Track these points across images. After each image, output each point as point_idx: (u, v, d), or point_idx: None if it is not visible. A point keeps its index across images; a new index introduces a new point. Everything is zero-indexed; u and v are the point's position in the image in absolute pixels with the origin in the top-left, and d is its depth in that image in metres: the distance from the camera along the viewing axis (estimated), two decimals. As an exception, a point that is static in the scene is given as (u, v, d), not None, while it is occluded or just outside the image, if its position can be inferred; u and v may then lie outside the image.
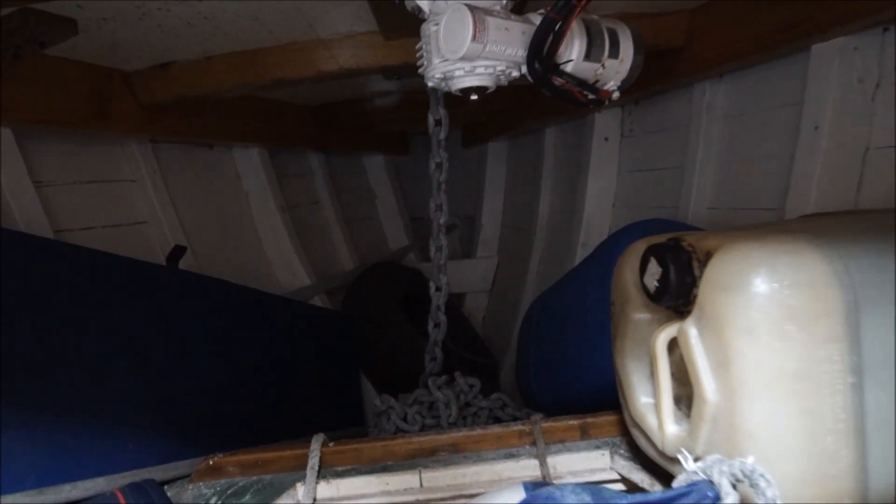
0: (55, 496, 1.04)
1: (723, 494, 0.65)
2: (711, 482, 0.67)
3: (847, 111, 1.35)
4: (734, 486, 0.66)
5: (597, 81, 1.28)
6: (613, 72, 1.28)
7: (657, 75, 1.85)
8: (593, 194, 2.40)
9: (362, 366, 2.32)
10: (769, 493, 0.60)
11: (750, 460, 0.65)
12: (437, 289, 1.66)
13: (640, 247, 0.98)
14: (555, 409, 1.39)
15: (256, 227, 2.45)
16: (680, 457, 0.74)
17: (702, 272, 0.81)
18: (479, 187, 3.36)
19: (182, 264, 1.74)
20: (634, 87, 1.73)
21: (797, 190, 1.41)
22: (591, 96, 1.29)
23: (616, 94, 1.33)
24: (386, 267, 2.95)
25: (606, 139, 2.36)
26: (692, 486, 0.68)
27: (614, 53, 1.26)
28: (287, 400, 1.74)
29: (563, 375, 1.42)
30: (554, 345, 1.48)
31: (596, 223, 2.37)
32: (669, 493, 0.67)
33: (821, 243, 0.75)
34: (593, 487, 0.73)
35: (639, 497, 0.68)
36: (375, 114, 3.09)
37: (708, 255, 0.81)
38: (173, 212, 1.95)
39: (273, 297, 2.01)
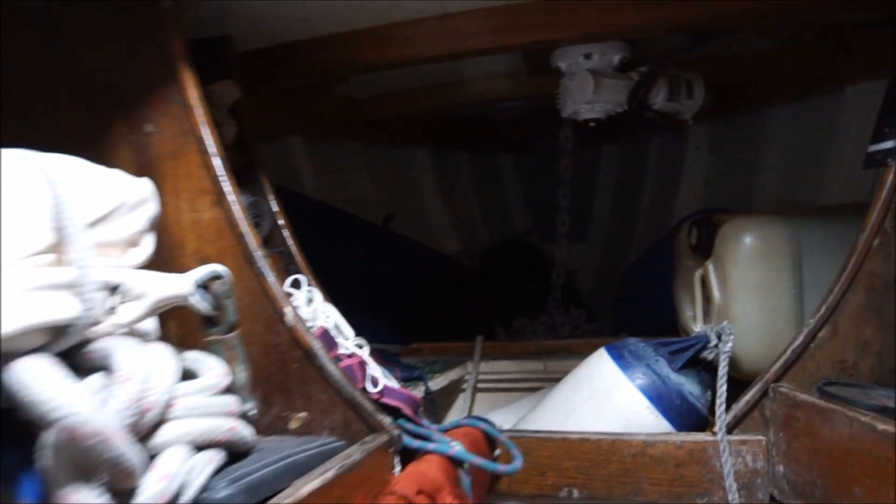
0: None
1: (711, 339, 1.22)
2: (707, 336, 1.24)
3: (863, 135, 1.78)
4: (719, 339, 1.22)
5: (676, 114, 1.82)
6: (688, 107, 1.81)
7: (737, 101, 2.31)
8: (685, 193, 2.87)
9: (495, 311, 2.96)
10: (729, 331, 1.15)
11: (724, 323, 1.21)
12: (561, 250, 2.26)
13: (688, 222, 1.54)
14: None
15: (424, 206, 3.17)
16: (693, 325, 1.31)
17: (717, 233, 1.36)
18: (593, 182, 3.84)
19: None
20: (720, 109, 2.20)
21: (824, 191, 1.86)
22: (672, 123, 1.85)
23: (690, 122, 1.86)
24: (515, 242, 3.58)
25: (698, 148, 2.82)
26: (696, 337, 1.25)
27: (689, 95, 1.79)
28: (447, 315, 2.44)
29: (644, 310, 1.97)
30: (640, 290, 2.03)
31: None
32: (684, 339, 1.24)
33: (784, 217, 1.28)
34: (647, 340, 1.30)
35: (666, 340, 1.25)
36: (509, 123, 3.70)
37: (722, 223, 1.36)
38: (377, 192, 2.70)
39: (441, 254, 2.73)
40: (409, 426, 0.96)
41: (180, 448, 0.55)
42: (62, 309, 0.50)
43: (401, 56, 1.60)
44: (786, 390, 0.98)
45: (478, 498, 0.97)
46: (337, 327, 1.09)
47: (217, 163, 0.94)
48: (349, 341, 1.05)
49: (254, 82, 1.64)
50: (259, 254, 0.92)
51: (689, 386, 1.16)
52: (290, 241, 1.22)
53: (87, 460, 0.43)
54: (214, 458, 0.60)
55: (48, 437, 0.43)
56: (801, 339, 1.01)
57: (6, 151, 0.53)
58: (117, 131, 0.98)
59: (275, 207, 1.25)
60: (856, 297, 0.99)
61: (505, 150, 3.87)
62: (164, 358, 0.57)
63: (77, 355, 0.53)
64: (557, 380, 1.70)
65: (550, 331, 2.22)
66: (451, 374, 1.83)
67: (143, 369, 0.52)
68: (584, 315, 2.22)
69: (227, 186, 0.94)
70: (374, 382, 1.01)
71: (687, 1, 1.35)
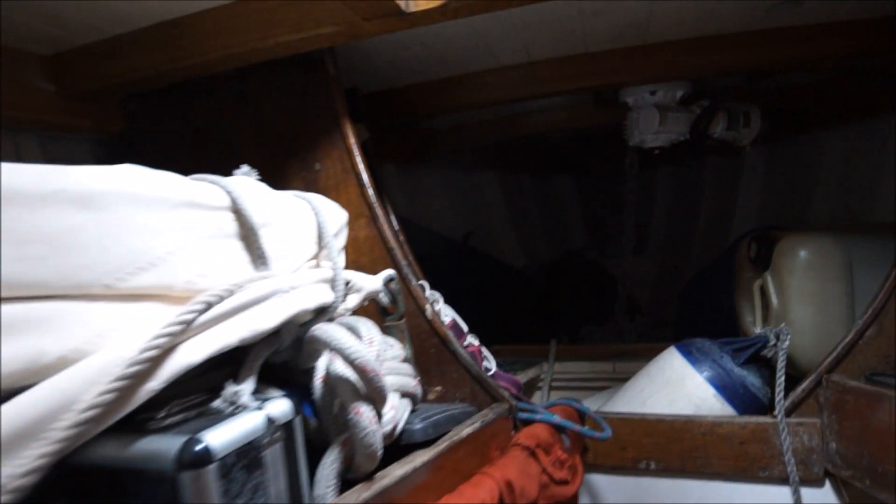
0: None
1: (770, 339, 1.38)
2: (767, 336, 1.40)
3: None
4: (777, 339, 1.38)
5: (735, 141, 1.99)
6: (746, 135, 1.97)
7: (793, 126, 2.44)
8: (742, 211, 2.99)
9: (558, 319, 3.15)
10: (786, 331, 1.32)
11: (782, 325, 1.37)
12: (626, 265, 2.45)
13: (748, 238, 1.70)
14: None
15: (493, 224, 3.40)
16: (754, 329, 1.47)
17: (775, 247, 1.53)
18: (650, 201, 3.98)
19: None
20: (777, 133, 2.34)
21: (877, 210, 1.97)
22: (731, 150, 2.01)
23: (748, 148, 2.02)
24: (574, 257, 3.75)
25: (755, 168, 2.94)
26: (757, 337, 1.41)
27: (746, 124, 1.95)
28: (516, 323, 2.65)
29: (705, 318, 2.12)
30: (701, 300, 2.19)
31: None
32: (747, 339, 1.41)
33: (836, 233, 1.44)
34: (713, 340, 1.47)
35: (730, 339, 1.42)
36: (569, 146, 3.90)
37: (779, 239, 1.53)
38: (454, 212, 2.96)
39: (509, 267, 2.96)
40: (519, 402, 1.17)
41: (394, 392, 0.79)
42: (327, 296, 0.75)
43: (487, 98, 1.85)
44: (837, 379, 1.14)
45: (581, 475, 1.17)
46: (456, 323, 1.32)
47: (370, 193, 1.20)
48: (466, 334, 1.28)
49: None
50: (405, 262, 1.16)
51: (751, 378, 1.33)
52: (410, 255, 1.46)
53: (364, 387, 0.67)
54: (408, 404, 0.83)
55: (342, 371, 0.67)
56: (850, 336, 1.17)
57: (289, 192, 0.79)
58: (292, 169, 1.25)
59: (396, 226, 1.49)
60: (899, 301, 1.14)
61: (564, 171, 4.07)
62: (378, 331, 0.82)
63: (326, 328, 0.78)
64: (625, 380, 1.87)
65: (617, 337, 2.39)
66: (530, 373, 2.03)
67: (376, 337, 0.76)
68: (650, 324, 2.38)
69: (379, 211, 1.19)
70: (488, 368, 1.24)
71: (743, 48, 1.54)
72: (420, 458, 0.75)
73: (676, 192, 3.69)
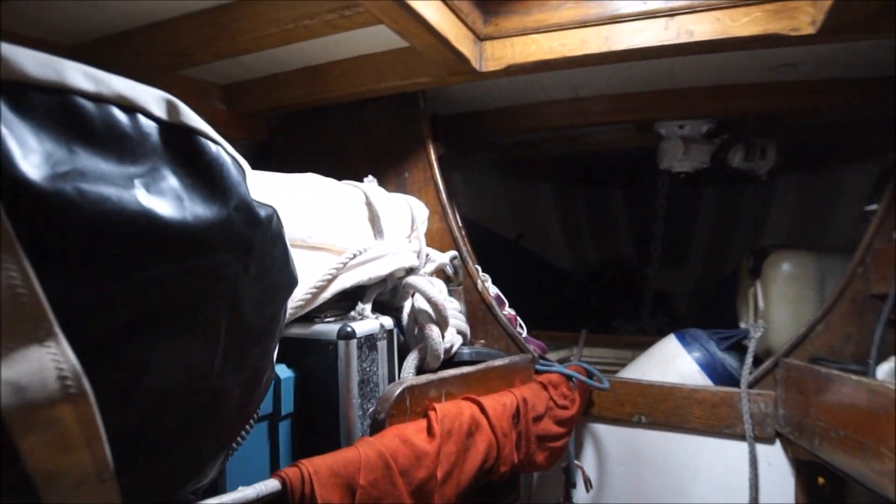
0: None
1: (750, 332, 1.68)
2: (747, 329, 1.70)
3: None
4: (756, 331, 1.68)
5: (751, 171, 2.26)
6: (762, 166, 2.24)
7: (813, 158, 2.67)
8: (771, 231, 3.21)
9: (594, 316, 3.46)
10: (760, 326, 1.62)
11: (759, 321, 1.67)
12: (653, 270, 2.75)
13: (748, 252, 1.99)
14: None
15: (546, 228, 3.74)
16: (742, 324, 1.78)
17: (765, 260, 1.82)
18: (693, 219, 4.17)
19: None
20: (802, 163, 2.56)
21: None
22: (748, 178, 2.28)
23: (763, 177, 2.28)
24: (618, 264, 4.04)
25: (786, 193, 3.15)
26: (740, 330, 1.71)
27: (763, 157, 2.22)
28: (556, 314, 2.99)
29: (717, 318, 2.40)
30: (717, 304, 2.47)
31: None
32: (731, 331, 1.72)
33: (814, 252, 1.72)
34: (706, 330, 1.79)
35: (718, 330, 1.73)
36: (620, 163, 4.17)
37: (769, 254, 1.82)
38: (511, 215, 3.34)
39: (556, 267, 3.30)
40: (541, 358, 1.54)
41: (452, 327, 1.19)
42: (415, 261, 1.16)
43: (543, 124, 2.21)
44: (789, 361, 1.44)
45: (579, 407, 1.53)
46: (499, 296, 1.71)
47: (443, 196, 1.60)
48: (506, 305, 1.66)
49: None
50: (465, 249, 1.56)
51: (729, 360, 1.64)
52: (468, 245, 1.85)
53: (434, 315, 1.08)
54: (461, 338, 1.23)
55: (422, 305, 1.08)
56: (804, 330, 1.47)
57: (396, 194, 1.21)
58: (388, 176, 1.67)
59: (460, 223, 1.89)
60: (844, 304, 1.43)
61: (615, 186, 4.35)
62: (445, 288, 1.22)
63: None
64: (642, 365, 2.16)
65: (640, 331, 2.70)
66: (561, 353, 2.39)
67: (444, 289, 1.16)
68: (670, 322, 2.67)
69: (449, 210, 1.59)
70: (520, 332, 1.62)
71: (755, 97, 1.83)
72: (466, 369, 1.14)
73: (717, 210, 3.91)
